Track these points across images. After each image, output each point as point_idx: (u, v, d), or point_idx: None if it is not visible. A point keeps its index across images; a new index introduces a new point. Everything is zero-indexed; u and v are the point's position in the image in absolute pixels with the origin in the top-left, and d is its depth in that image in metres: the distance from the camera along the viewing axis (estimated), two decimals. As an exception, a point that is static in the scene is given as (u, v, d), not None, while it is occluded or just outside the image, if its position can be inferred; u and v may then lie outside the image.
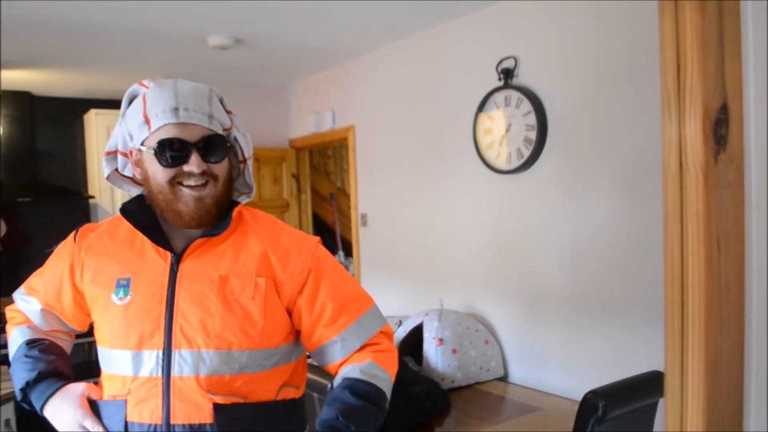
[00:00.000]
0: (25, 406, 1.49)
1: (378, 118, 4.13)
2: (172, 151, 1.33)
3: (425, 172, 3.74)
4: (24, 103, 4.85)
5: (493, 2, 3.16)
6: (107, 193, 4.83)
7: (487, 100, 3.20)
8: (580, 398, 1.98)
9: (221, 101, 1.44)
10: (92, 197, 4.89)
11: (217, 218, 1.41)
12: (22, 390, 1.46)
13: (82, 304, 1.51)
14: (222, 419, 1.35)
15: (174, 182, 1.35)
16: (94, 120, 4.81)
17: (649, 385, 2.09)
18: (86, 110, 4.96)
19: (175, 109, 1.33)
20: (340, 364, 1.46)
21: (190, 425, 1.34)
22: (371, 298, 1.55)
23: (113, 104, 5.26)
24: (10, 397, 2.68)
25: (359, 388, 1.38)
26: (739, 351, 0.89)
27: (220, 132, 1.39)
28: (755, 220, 0.88)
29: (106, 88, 4.96)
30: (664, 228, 0.90)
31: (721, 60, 0.87)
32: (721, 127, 0.86)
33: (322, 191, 6.38)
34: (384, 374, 1.45)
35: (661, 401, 2.14)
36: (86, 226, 1.55)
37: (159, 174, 1.35)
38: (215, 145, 1.37)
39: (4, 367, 3.03)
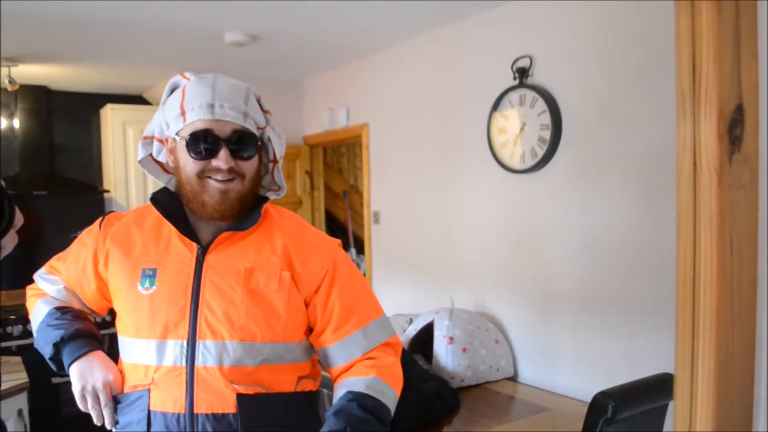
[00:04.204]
0: (52, 364, 1.50)
1: (392, 116, 4.13)
2: (203, 143, 1.36)
3: (439, 170, 3.73)
4: (41, 97, 4.89)
5: (509, 1, 3.15)
6: (122, 188, 4.87)
7: (502, 99, 3.19)
8: (589, 399, 1.98)
9: (258, 100, 1.47)
10: (107, 191, 4.93)
11: (240, 213, 1.43)
12: (56, 345, 1.47)
13: (105, 291, 1.53)
14: (245, 409, 1.37)
15: (202, 175, 1.38)
16: (110, 115, 4.84)
17: (660, 387, 2.08)
18: (102, 105, 5.00)
19: (211, 106, 1.36)
20: (341, 371, 1.48)
21: (214, 414, 1.36)
22: (381, 308, 1.57)
23: (129, 99, 5.30)
24: (23, 387, 2.71)
25: (366, 403, 1.38)
26: (750, 352, 0.88)
27: (254, 130, 1.41)
28: (769, 222, 0.88)
29: (123, 83, 4.99)
30: (676, 228, 0.90)
31: (737, 60, 0.86)
32: (736, 128, 0.85)
33: (335, 188, 6.39)
34: (390, 391, 1.46)
35: (671, 404, 2.13)
36: (112, 215, 1.57)
37: (189, 165, 1.39)
38: (246, 142, 1.39)
39: (15, 359, 3.07)
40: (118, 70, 4.54)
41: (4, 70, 4.04)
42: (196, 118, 1.36)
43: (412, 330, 3.25)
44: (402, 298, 4.02)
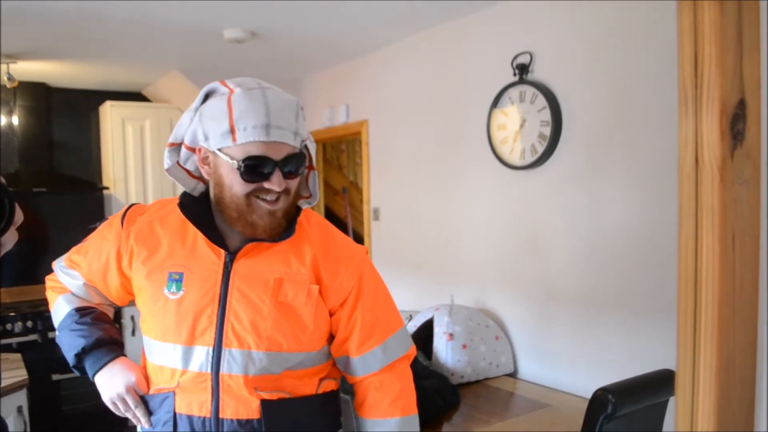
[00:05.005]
0: (76, 371, 1.51)
1: (392, 112, 4.13)
2: (257, 167, 1.32)
3: (438, 167, 3.73)
4: (40, 94, 4.88)
5: (509, -3, 3.15)
6: (121, 185, 4.86)
7: (502, 95, 3.19)
8: (590, 395, 1.98)
9: (301, 110, 1.44)
10: (107, 188, 4.92)
11: (285, 228, 1.42)
12: (77, 355, 1.48)
13: (128, 287, 1.53)
14: (269, 414, 1.39)
15: (251, 195, 1.36)
16: (109, 112, 4.84)
17: (660, 383, 2.08)
18: (102, 102, 4.99)
19: (266, 126, 1.31)
20: (358, 381, 1.54)
21: (238, 420, 1.38)
22: (400, 319, 1.59)
23: (128, 96, 5.30)
24: (23, 384, 2.70)
25: None
26: (752, 350, 0.88)
27: (300, 147, 1.39)
28: (771, 218, 0.88)
29: (122, 80, 4.98)
30: (678, 224, 0.89)
31: (739, 55, 0.86)
32: (738, 123, 0.85)
33: (334, 185, 6.38)
34: (415, 421, 1.54)
35: (672, 400, 2.13)
36: (134, 209, 1.54)
37: (237, 186, 1.35)
38: (296, 163, 1.37)
39: (15, 356, 3.07)
40: (118, 67, 4.53)
41: (3, 67, 4.02)
42: (250, 140, 1.30)
43: (412, 326, 3.25)
44: (402, 295, 4.02)
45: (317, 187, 1.53)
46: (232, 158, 1.33)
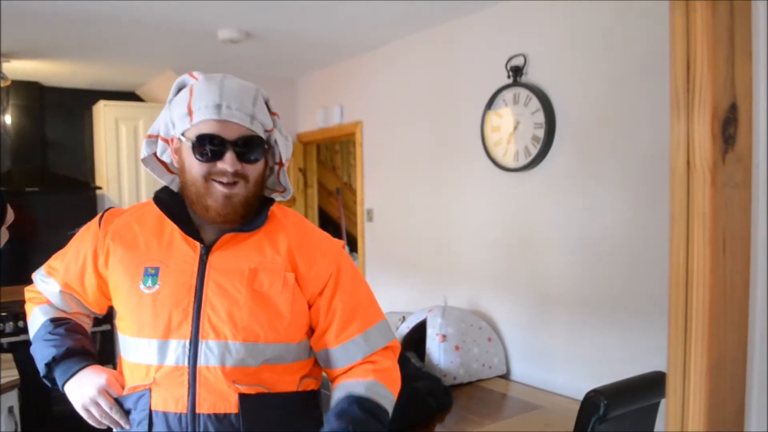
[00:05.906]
0: (47, 382, 1.50)
1: (386, 114, 4.13)
2: (209, 146, 1.35)
3: (432, 168, 3.73)
4: (33, 93, 4.87)
5: (503, 0, 3.16)
6: (114, 184, 4.84)
7: (496, 97, 3.19)
8: (582, 397, 1.98)
9: (266, 102, 1.45)
10: (99, 188, 4.90)
11: (244, 217, 1.42)
12: (48, 365, 1.47)
13: (104, 289, 1.52)
14: (247, 409, 1.37)
15: (207, 177, 1.37)
16: (102, 111, 4.82)
17: (652, 385, 2.09)
18: (95, 101, 4.98)
19: (218, 106, 1.34)
20: (340, 373, 1.49)
21: (216, 414, 1.36)
22: (381, 312, 1.57)
23: (122, 96, 5.28)
24: (14, 384, 2.69)
25: (366, 405, 1.39)
26: (743, 352, 0.88)
27: (261, 133, 1.40)
28: (762, 221, 0.88)
29: (116, 80, 4.97)
30: (670, 227, 0.90)
31: (731, 59, 0.86)
32: (729, 127, 0.85)
33: (328, 186, 6.38)
34: (388, 393, 1.46)
35: (663, 402, 2.14)
36: (112, 211, 1.55)
37: (194, 167, 1.37)
38: (252, 146, 1.38)
39: (6, 356, 3.05)
40: (111, 66, 4.52)
41: (-4, 65, 4.01)
42: (203, 119, 1.34)
43: (405, 328, 3.25)
44: (395, 296, 4.02)
45: (288, 182, 1.54)
46: (188, 139, 1.37)
